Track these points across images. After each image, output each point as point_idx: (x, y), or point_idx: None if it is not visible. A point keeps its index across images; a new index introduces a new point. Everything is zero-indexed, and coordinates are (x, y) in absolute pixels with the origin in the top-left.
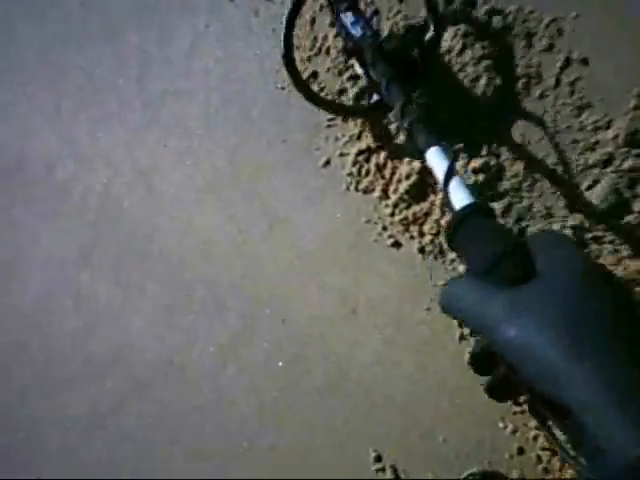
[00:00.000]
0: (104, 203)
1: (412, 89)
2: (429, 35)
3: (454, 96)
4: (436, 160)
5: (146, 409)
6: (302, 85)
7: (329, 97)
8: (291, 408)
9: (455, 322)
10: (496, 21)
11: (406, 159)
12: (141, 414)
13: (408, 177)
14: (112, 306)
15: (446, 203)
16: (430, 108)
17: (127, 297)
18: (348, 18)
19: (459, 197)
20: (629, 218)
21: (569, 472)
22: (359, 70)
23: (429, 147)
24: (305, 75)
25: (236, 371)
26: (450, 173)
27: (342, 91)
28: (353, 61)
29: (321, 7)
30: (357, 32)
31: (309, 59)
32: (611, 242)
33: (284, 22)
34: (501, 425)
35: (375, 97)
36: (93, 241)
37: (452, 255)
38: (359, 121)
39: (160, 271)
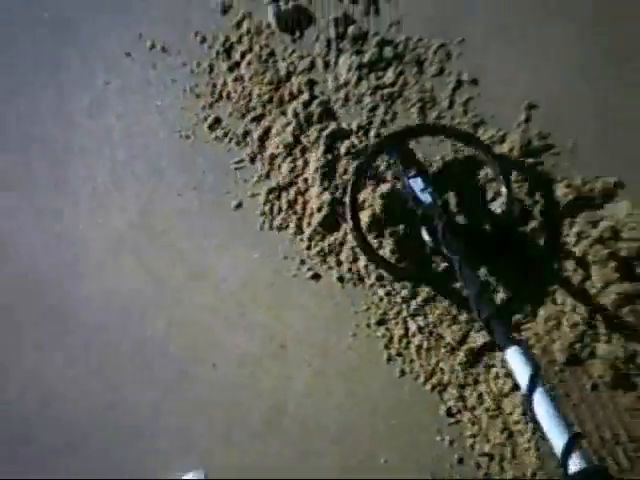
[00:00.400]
0: (19, 273)
1: (485, 268)
2: (501, 208)
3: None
4: (516, 362)
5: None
6: (375, 255)
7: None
8: (229, 454)
9: (381, 345)
10: (387, 51)
11: (315, 192)
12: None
13: (319, 210)
14: (41, 375)
15: (531, 419)
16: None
17: (55, 366)
18: (417, 184)
19: (555, 433)
20: (533, 224)
21: (509, 474)
22: (427, 237)
23: (508, 347)
24: (208, 122)
25: (172, 424)
26: (534, 384)
27: (246, 133)
28: (421, 229)
29: (217, 53)
30: (426, 199)
31: (211, 106)
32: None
33: (347, 198)
34: (438, 438)
35: (443, 264)
36: (16, 314)
37: (371, 280)
38: (266, 160)
39: (84, 335)
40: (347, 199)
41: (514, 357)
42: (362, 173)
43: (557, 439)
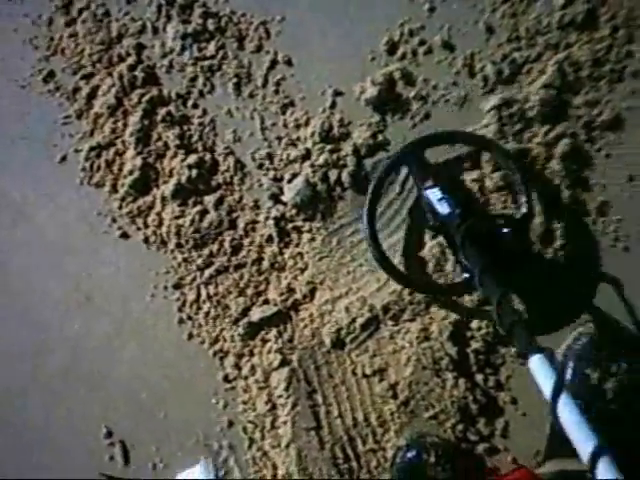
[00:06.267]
0: None
1: (507, 278)
2: (520, 214)
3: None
4: (540, 370)
5: None
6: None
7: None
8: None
9: (175, 307)
10: (210, 24)
11: (130, 155)
12: None
13: (131, 172)
14: None
15: (555, 423)
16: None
17: None
18: (434, 194)
19: (581, 441)
20: (321, 207)
21: (267, 442)
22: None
23: (531, 354)
24: (43, 74)
25: None
26: (558, 389)
27: (76, 90)
28: (440, 239)
29: (57, 7)
30: (444, 210)
31: (47, 59)
32: (309, 231)
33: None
34: (214, 401)
35: (465, 275)
36: None
37: (172, 245)
38: (91, 119)
39: None
40: (365, 220)
41: (538, 365)
42: (378, 191)
43: (583, 446)
